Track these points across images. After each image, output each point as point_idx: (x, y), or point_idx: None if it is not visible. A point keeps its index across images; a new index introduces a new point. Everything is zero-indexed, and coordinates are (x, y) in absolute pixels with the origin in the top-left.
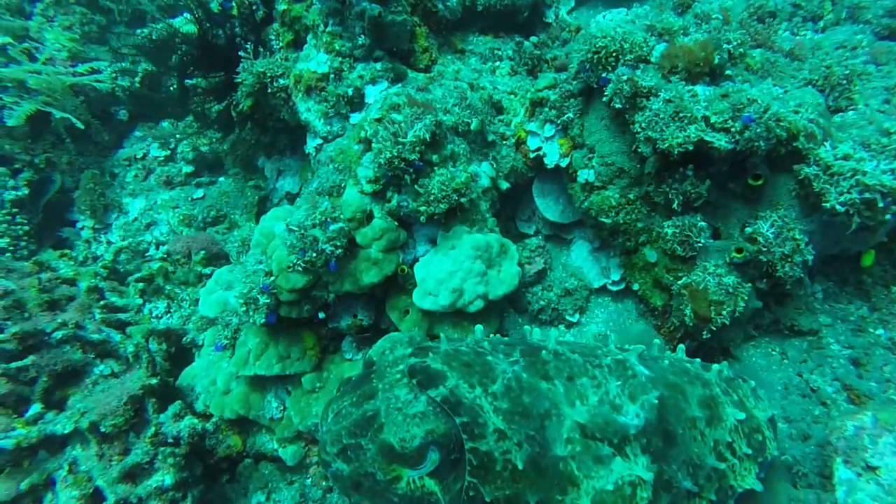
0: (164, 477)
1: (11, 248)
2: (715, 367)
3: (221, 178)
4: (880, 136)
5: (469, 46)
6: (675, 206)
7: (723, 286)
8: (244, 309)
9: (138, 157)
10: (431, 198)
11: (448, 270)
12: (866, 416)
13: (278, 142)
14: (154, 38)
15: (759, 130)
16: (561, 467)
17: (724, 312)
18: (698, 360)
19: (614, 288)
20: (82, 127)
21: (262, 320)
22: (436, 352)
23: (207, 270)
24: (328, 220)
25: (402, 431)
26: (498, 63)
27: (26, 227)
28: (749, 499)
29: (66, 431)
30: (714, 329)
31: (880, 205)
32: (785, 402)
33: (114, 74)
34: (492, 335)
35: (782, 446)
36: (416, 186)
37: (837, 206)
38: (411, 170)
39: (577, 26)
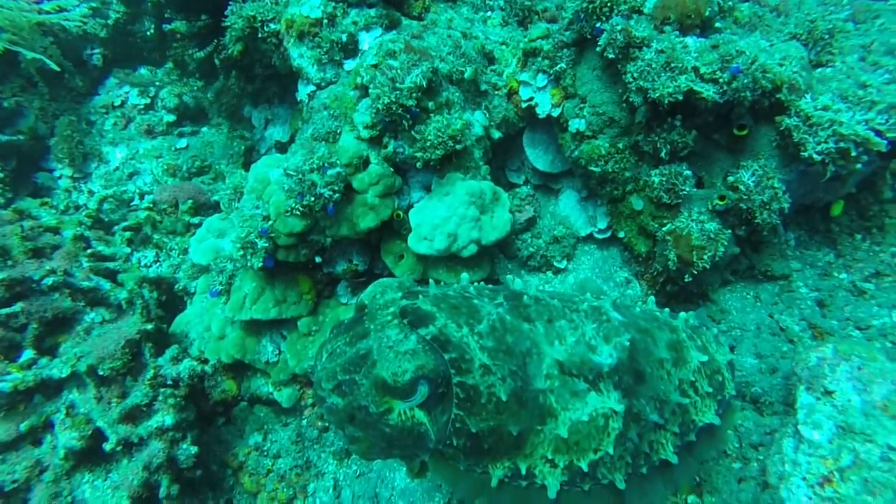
0: (164, 417)
1: None
2: (682, 315)
3: (205, 128)
4: (857, 89)
5: None
6: (662, 154)
7: (705, 232)
8: (241, 253)
9: (116, 104)
10: (428, 144)
11: (443, 216)
12: (828, 348)
13: (266, 90)
14: None
15: (746, 81)
16: (541, 400)
17: (705, 257)
18: (667, 309)
19: (600, 236)
20: (57, 69)
21: (260, 264)
22: (425, 294)
23: (195, 220)
24: (326, 164)
25: (395, 366)
26: (489, 13)
27: (1, 175)
28: (706, 431)
29: (63, 375)
30: (695, 273)
31: (853, 153)
32: (757, 341)
33: (84, 16)
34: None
35: (753, 380)
36: (412, 132)
37: (814, 156)
38: (408, 116)
39: None
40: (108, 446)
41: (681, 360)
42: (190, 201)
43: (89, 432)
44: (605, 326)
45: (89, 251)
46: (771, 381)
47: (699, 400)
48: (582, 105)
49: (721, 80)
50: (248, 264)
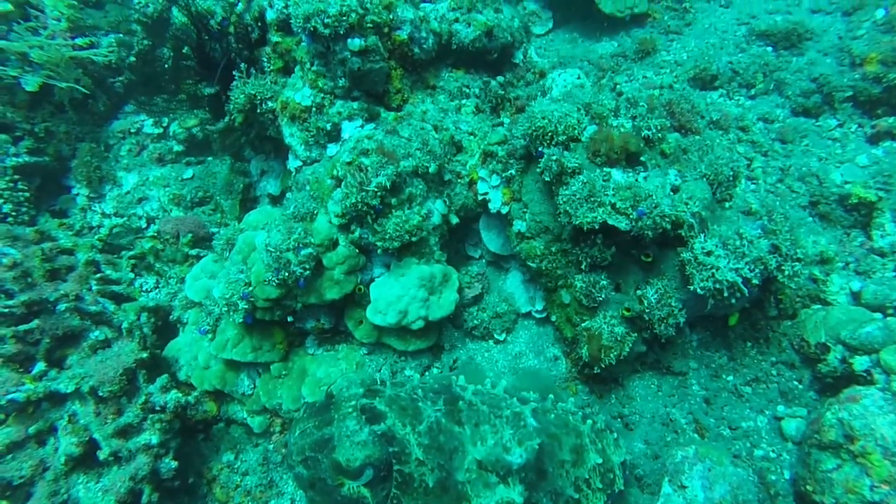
0: (151, 437)
1: (13, 213)
2: (589, 421)
3: (210, 158)
4: (736, 238)
5: (440, 83)
6: (583, 266)
7: (614, 335)
8: (226, 309)
9: (132, 131)
10: (387, 236)
11: (397, 295)
12: (690, 449)
13: (264, 146)
14: (148, 13)
15: (648, 222)
16: (460, 488)
17: (611, 355)
18: (580, 413)
19: (538, 315)
20: (87, 92)
21: (241, 320)
22: (381, 395)
23: (194, 252)
24: (300, 245)
25: (349, 454)
26: (464, 101)
27: (27, 194)
28: None
29: (68, 391)
30: (603, 366)
31: (725, 294)
32: (649, 429)
33: (111, 48)
34: (429, 376)
35: (638, 462)
36: (375, 225)
37: (699, 290)
38: (373, 212)
39: (541, 70)
40: (101, 455)
41: (580, 461)
42: (190, 234)
43: (86, 440)
44: (521, 431)
45: (98, 275)
46: (652, 466)
47: (591, 493)
48: (525, 210)
49: (631, 217)
50: (231, 319)
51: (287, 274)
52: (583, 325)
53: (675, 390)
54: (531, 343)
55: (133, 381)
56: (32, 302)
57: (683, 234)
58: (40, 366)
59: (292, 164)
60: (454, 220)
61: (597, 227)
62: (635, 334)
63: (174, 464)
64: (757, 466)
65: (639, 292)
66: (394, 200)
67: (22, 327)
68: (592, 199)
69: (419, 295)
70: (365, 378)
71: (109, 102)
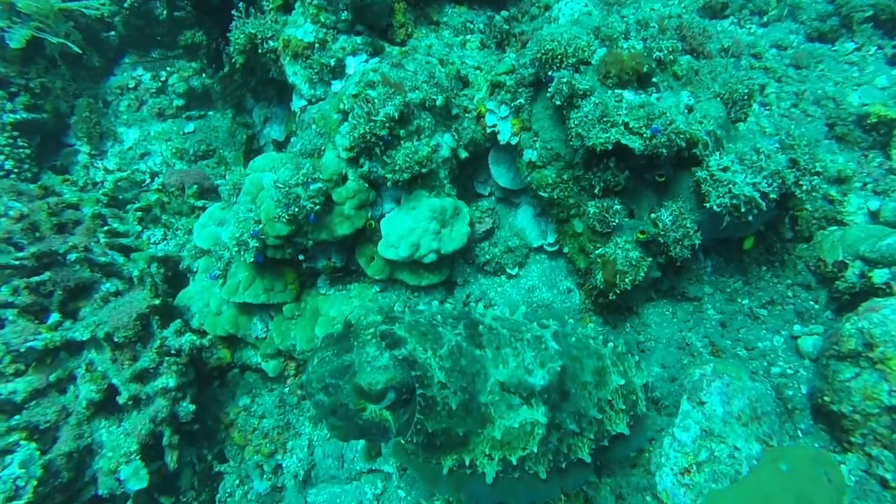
0: (168, 380)
1: (16, 170)
2: (610, 344)
3: (211, 112)
4: (752, 154)
5: (444, 18)
6: (596, 191)
7: (628, 259)
8: (236, 249)
9: (130, 86)
10: (397, 167)
11: (408, 227)
12: (708, 367)
13: (266, 91)
14: None
15: (662, 140)
16: (483, 410)
17: (626, 280)
18: (601, 336)
19: (550, 248)
20: (78, 51)
21: (252, 259)
22: (401, 322)
23: (199, 203)
24: (309, 180)
25: (370, 378)
26: (469, 36)
27: (28, 151)
28: (621, 439)
29: (84, 338)
30: (618, 292)
31: (743, 209)
32: (665, 353)
33: (101, 0)
34: (447, 306)
35: (656, 385)
36: (384, 157)
37: (715, 207)
38: (381, 143)
39: (546, 3)
40: (120, 400)
41: (602, 383)
42: (195, 186)
43: (105, 387)
44: (543, 354)
45: (106, 228)
46: (669, 388)
47: (613, 414)
48: (535, 138)
49: (645, 136)
50: (242, 258)
51: (297, 209)
52: (596, 252)
53: (690, 316)
54: (544, 277)
55: (147, 327)
56: (42, 254)
57: (698, 153)
58: (55, 316)
59: (296, 104)
60: (463, 154)
61: (610, 147)
62: (650, 259)
63: (192, 407)
64: (774, 383)
65: (653, 216)
66: (402, 132)
67: (34, 278)
68: (605, 119)
69: (431, 228)
70: (382, 306)
71: (104, 58)
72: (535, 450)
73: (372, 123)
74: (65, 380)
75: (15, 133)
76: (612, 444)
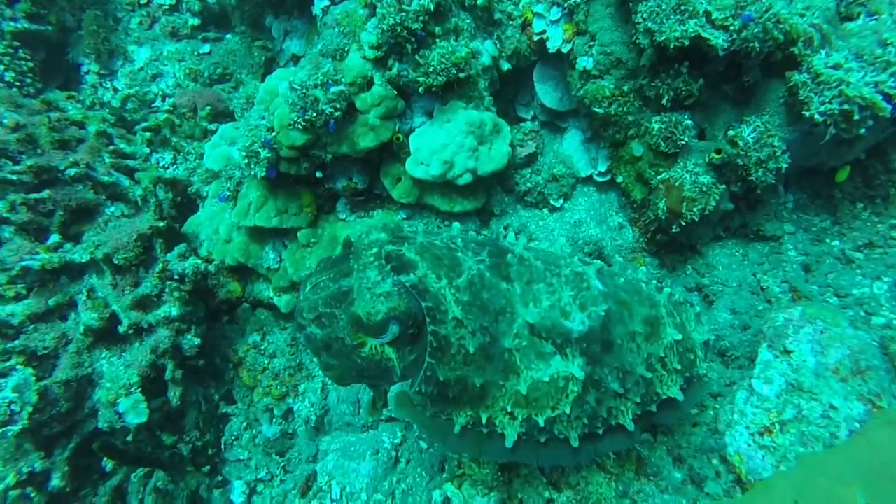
0: (170, 308)
1: (17, 83)
2: (667, 290)
3: (228, 36)
4: (876, 47)
5: None
6: (664, 101)
7: (697, 184)
8: (246, 161)
9: (142, 2)
10: (430, 69)
11: (441, 142)
12: (796, 310)
13: (286, 4)
14: None
15: (756, 31)
16: (506, 357)
17: (695, 209)
18: (654, 282)
19: (600, 179)
20: None
21: (263, 173)
22: (411, 242)
23: (213, 126)
24: (330, 81)
25: (369, 306)
26: None
27: (30, 64)
28: (670, 406)
29: (83, 260)
30: (683, 224)
31: (856, 117)
32: (735, 297)
33: None
34: (472, 232)
35: (724, 334)
36: (416, 57)
37: (817, 116)
38: (413, 39)
39: None
40: (121, 329)
41: (654, 335)
42: (208, 107)
43: (107, 315)
44: (584, 294)
45: (111, 147)
46: (740, 337)
47: (666, 375)
48: (591, 43)
49: (731, 28)
50: (252, 173)
51: (315, 114)
52: (659, 177)
53: (764, 257)
54: (592, 210)
55: (150, 249)
56: (41, 169)
57: (797, 51)
58: (55, 237)
59: (318, 6)
60: (505, 66)
61: (686, 43)
62: (723, 185)
63: (197, 341)
64: (877, 335)
65: (730, 133)
66: (438, 29)
67: (32, 195)
68: (682, 7)
69: (467, 143)
70: (389, 223)
71: None
72: (568, 410)
73: (403, 14)
74: (65, 305)
75: (16, 43)
76: (659, 411)
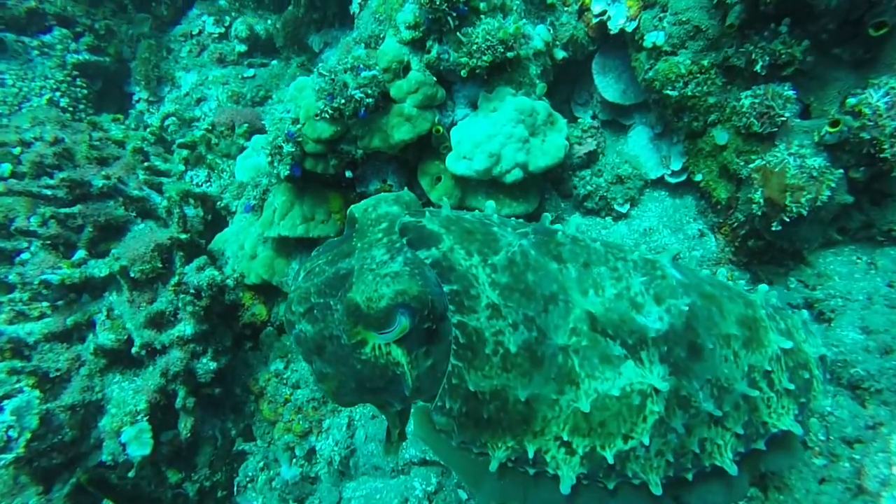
0: (185, 327)
1: (71, 108)
2: (763, 287)
3: (274, 62)
4: None
5: None
6: (758, 68)
7: (805, 169)
8: (269, 160)
9: (194, 32)
10: (474, 48)
11: (487, 133)
12: None
13: (327, 12)
14: None
15: None
16: (560, 360)
17: (802, 200)
18: (742, 282)
19: (673, 180)
20: None
21: (287, 171)
22: (434, 213)
23: (249, 144)
24: (361, 65)
25: (370, 290)
26: None
27: (84, 91)
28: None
29: (102, 274)
30: (787, 221)
31: None
32: (865, 313)
33: None
34: (512, 219)
35: (854, 359)
36: (458, 34)
37: None
38: (454, 13)
39: None
40: (133, 349)
41: (755, 341)
42: (246, 125)
43: (125, 337)
44: (659, 284)
45: (146, 164)
46: (881, 364)
47: (774, 397)
48: (662, 14)
49: None
50: (275, 171)
51: (343, 101)
52: (751, 165)
53: None
54: (665, 217)
55: (169, 262)
56: (73, 183)
57: None
58: (81, 253)
59: (355, 3)
60: (560, 53)
61: None
62: (839, 170)
63: (213, 364)
64: None
65: (850, 101)
66: (483, 5)
67: (63, 210)
68: None
69: (516, 133)
70: (403, 195)
71: (173, 6)
72: (647, 441)
73: None
74: (84, 325)
75: (75, 72)
76: (768, 451)
